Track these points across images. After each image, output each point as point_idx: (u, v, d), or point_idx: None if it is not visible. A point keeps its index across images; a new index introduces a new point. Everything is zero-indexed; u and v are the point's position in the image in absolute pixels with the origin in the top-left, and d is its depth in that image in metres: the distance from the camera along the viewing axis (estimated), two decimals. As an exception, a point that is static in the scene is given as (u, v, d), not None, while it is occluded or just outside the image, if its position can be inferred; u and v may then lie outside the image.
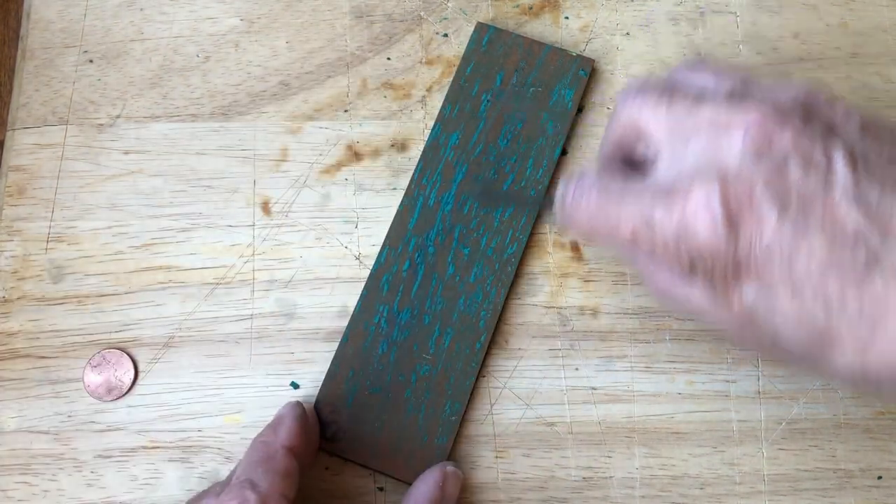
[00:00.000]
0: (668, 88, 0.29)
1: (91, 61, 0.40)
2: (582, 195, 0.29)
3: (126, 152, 0.39)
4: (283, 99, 0.40)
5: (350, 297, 0.37)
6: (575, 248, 0.38)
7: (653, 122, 0.29)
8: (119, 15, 0.41)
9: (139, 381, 0.36)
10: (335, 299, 0.37)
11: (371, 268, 0.37)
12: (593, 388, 0.36)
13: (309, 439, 0.33)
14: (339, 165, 0.39)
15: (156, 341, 0.36)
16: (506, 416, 0.36)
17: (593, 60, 0.40)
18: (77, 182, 0.38)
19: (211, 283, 0.37)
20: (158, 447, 0.35)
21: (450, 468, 0.33)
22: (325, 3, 0.41)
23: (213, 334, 0.36)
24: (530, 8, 0.41)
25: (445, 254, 0.37)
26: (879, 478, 0.35)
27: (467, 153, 0.38)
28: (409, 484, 0.34)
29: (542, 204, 0.37)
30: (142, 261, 0.37)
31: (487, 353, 0.36)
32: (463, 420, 0.35)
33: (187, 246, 0.38)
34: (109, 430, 0.35)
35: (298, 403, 0.34)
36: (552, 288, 0.37)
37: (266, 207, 0.38)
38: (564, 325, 0.37)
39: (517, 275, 0.37)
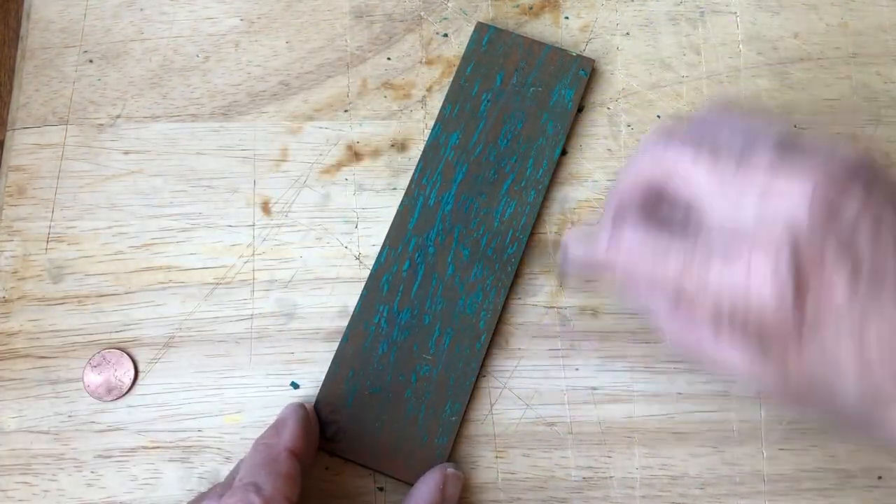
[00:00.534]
0: (703, 141, 0.26)
1: (91, 61, 0.40)
2: (620, 246, 0.27)
3: (126, 152, 0.39)
4: (283, 99, 0.40)
5: (350, 297, 0.37)
6: (575, 248, 0.38)
7: (692, 179, 0.26)
8: (119, 15, 0.41)
9: (139, 381, 0.36)
10: (335, 299, 0.37)
11: (371, 268, 0.37)
12: (593, 388, 0.36)
13: (311, 441, 0.33)
14: (339, 165, 0.39)
15: (156, 341, 0.36)
16: (506, 416, 0.36)
17: (593, 60, 0.40)
18: (77, 182, 0.38)
19: (211, 283, 0.37)
20: (158, 447, 0.35)
21: (450, 470, 0.33)
22: (325, 3, 0.41)
23: (213, 334, 0.36)
24: (530, 8, 0.41)
25: (445, 254, 0.37)
26: (879, 478, 0.35)
27: (467, 153, 0.38)
28: (410, 484, 0.34)
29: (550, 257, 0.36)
30: (142, 261, 0.37)
31: (487, 353, 0.36)
32: (463, 420, 0.35)
33: (187, 246, 0.38)
34: (109, 430, 0.35)
35: (301, 405, 0.34)
36: (552, 288, 0.37)
37: (266, 207, 0.38)
38: (564, 325, 0.37)
39: (517, 275, 0.37)
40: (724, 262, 0.24)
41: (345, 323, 0.36)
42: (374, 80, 0.40)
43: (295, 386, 0.36)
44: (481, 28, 0.40)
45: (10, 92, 0.40)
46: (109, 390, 0.36)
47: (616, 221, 0.27)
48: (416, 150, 0.39)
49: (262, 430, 0.33)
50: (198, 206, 0.38)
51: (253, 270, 0.37)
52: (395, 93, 0.40)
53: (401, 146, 0.39)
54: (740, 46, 0.41)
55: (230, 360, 0.36)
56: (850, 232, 0.24)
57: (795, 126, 0.39)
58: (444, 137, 0.38)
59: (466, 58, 0.39)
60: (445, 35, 0.41)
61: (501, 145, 0.38)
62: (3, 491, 0.35)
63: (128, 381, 0.36)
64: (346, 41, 0.41)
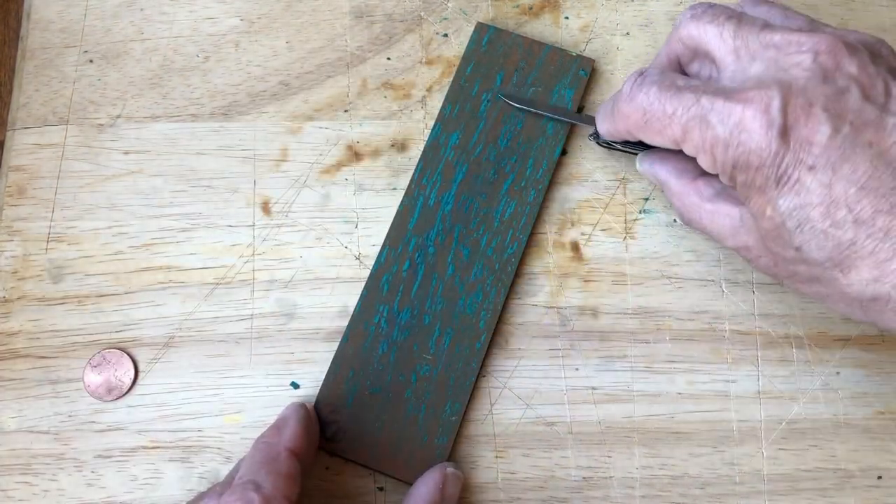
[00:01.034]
0: (734, 10, 0.31)
1: (91, 61, 0.40)
2: (641, 88, 0.30)
3: (126, 152, 0.39)
4: (283, 99, 0.40)
5: (350, 297, 0.37)
6: (575, 248, 0.38)
7: (716, 40, 0.30)
8: (119, 15, 0.41)
9: (139, 381, 0.36)
10: (335, 299, 0.37)
11: (371, 268, 0.37)
12: (593, 388, 0.36)
13: (311, 441, 0.33)
14: (339, 165, 0.39)
15: (156, 341, 0.36)
16: (506, 416, 0.36)
17: (593, 60, 0.40)
18: (77, 182, 0.38)
19: (211, 283, 0.37)
20: (158, 447, 0.35)
21: (450, 469, 0.33)
22: (325, 3, 0.41)
23: (213, 334, 0.36)
24: (530, 8, 0.41)
25: (445, 254, 0.37)
26: (879, 478, 0.35)
27: (467, 153, 0.38)
28: (410, 484, 0.34)
29: (578, 118, 0.38)
30: (142, 261, 0.37)
31: (487, 353, 0.36)
32: (463, 420, 0.35)
33: (187, 246, 0.38)
34: (109, 430, 0.35)
35: (302, 405, 0.34)
36: (552, 288, 0.37)
37: (266, 207, 0.38)
38: (564, 325, 0.37)
39: (517, 275, 0.37)
40: (727, 102, 0.28)
41: (345, 323, 0.36)
42: (374, 80, 0.40)
43: (295, 386, 0.36)
44: (481, 28, 0.40)
45: (10, 92, 0.40)
46: (109, 390, 0.36)
47: (636, 79, 0.31)
48: (416, 150, 0.39)
49: (262, 430, 0.33)
50: (198, 206, 0.38)
51: (253, 270, 0.37)
52: (395, 93, 0.40)
53: (401, 146, 0.39)
54: (740, 46, 0.41)
55: (230, 360, 0.36)
56: (843, 91, 0.27)
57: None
58: (444, 137, 0.38)
59: (466, 58, 0.39)
60: (445, 35, 0.41)
61: (501, 145, 0.38)
62: (3, 491, 0.35)
63: (128, 381, 0.36)
64: (346, 41, 0.41)
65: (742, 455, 0.35)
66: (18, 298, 0.37)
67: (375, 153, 0.39)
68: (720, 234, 0.32)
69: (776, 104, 0.27)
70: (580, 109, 0.39)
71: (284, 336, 0.36)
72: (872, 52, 0.29)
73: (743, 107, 0.27)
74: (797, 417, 0.36)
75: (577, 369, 0.36)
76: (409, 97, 0.40)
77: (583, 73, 0.39)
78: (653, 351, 0.36)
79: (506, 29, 0.40)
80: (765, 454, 0.35)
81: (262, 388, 0.36)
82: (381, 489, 0.35)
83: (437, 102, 0.39)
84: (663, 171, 0.34)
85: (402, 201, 0.38)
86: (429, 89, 0.40)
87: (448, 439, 0.35)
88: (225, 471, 0.35)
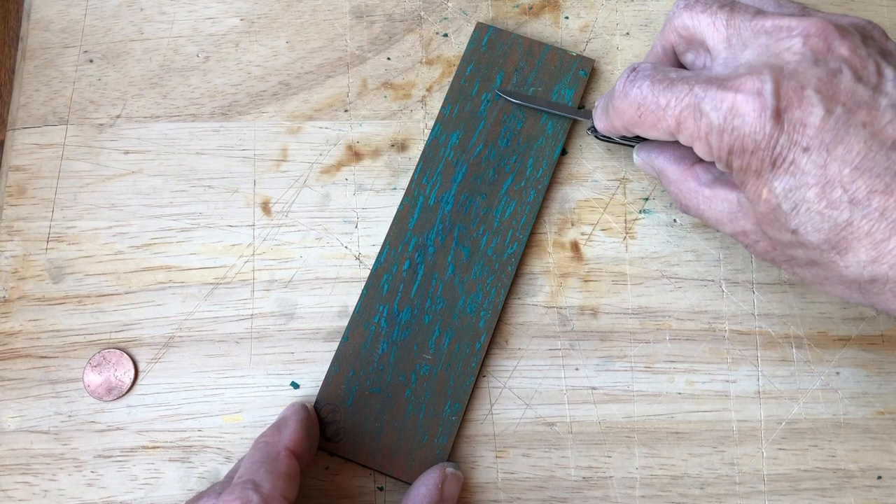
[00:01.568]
0: (728, 2, 0.31)
1: (91, 61, 0.40)
2: (634, 83, 0.31)
3: (126, 152, 0.39)
4: (283, 99, 0.40)
5: (350, 297, 0.37)
6: (575, 247, 0.38)
7: (710, 29, 0.30)
8: (119, 15, 0.41)
9: (139, 381, 0.36)
10: (335, 299, 0.37)
11: (371, 268, 0.37)
12: (593, 388, 0.36)
13: (311, 441, 0.33)
14: (339, 165, 0.39)
15: (156, 341, 0.36)
16: (506, 416, 0.36)
17: (593, 60, 0.40)
18: (77, 182, 0.38)
19: (211, 283, 0.37)
20: (158, 447, 0.35)
21: (449, 469, 0.33)
22: (325, 3, 0.41)
23: (213, 334, 0.36)
24: (530, 8, 0.41)
25: (445, 254, 0.37)
26: (879, 478, 0.35)
27: (467, 153, 0.38)
28: (410, 484, 0.34)
29: (576, 113, 0.38)
30: (142, 261, 0.37)
31: (487, 353, 0.36)
32: (463, 420, 0.35)
33: (187, 246, 0.38)
34: (109, 430, 0.35)
35: (303, 405, 0.34)
36: (552, 288, 0.37)
37: (266, 207, 0.38)
38: (564, 325, 0.37)
39: (517, 275, 0.37)
40: (720, 89, 0.28)
41: (345, 323, 0.36)
42: (374, 80, 0.40)
43: (295, 386, 0.36)
44: (481, 28, 0.40)
45: (10, 92, 0.40)
46: (109, 390, 0.36)
47: (629, 75, 0.31)
48: (416, 150, 0.39)
49: (262, 430, 0.33)
50: (198, 206, 0.38)
51: (253, 270, 0.37)
52: (395, 93, 0.40)
53: (401, 146, 0.39)
54: (740, 46, 0.41)
55: (230, 360, 0.36)
56: (835, 72, 0.27)
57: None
58: (444, 137, 0.38)
59: (466, 58, 0.39)
60: (445, 35, 0.41)
61: (501, 145, 0.38)
62: (3, 491, 0.35)
63: (128, 381, 0.36)
64: (346, 41, 0.41)
65: (742, 455, 0.35)
66: (18, 298, 0.37)
67: (375, 153, 0.39)
68: (718, 219, 0.32)
69: (768, 88, 0.27)
70: (580, 108, 0.39)
71: (284, 336, 0.37)
72: (863, 34, 0.29)
73: (735, 92, 0.27)
74: (797, 417, 0.36)
75: (577, 369, 0.36)
76: (409, 97, 0.40)
77: (583, 73, 0.39)
78: (653, 351, 0.36)
79: (506, 29, 0.40)
80: (765, 454, 0.35)
81: (262, 388, 0.36)
82: (381, 489, 0.35)
83: (437, 102, 0.39)
84: (660, 160, 0.34)
85: (402, 201, 0.38)
86: (429, 89, 0.40)
87: (448, 439, 0.35)
88: (225, 471, 0.35)
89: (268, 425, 0.33)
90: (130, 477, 0.35)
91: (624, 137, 0.35)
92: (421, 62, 0.40)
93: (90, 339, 0.36)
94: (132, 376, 0.36)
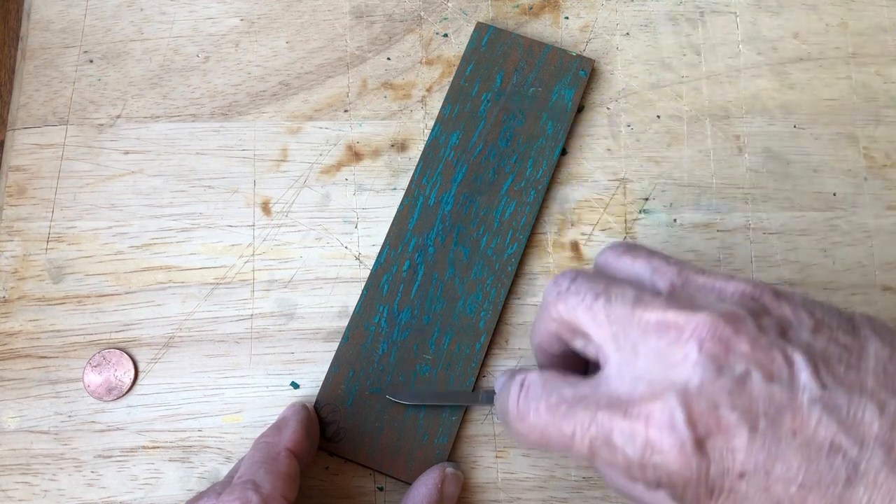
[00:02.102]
0: (600, 282, 0.27)
1: (91, 61, 0.40)
2: (529, 407, 0.27)
3: (126, 152, 0.39)
4: (283, 99, 0.40)
5: (350, 297, 0.37)
6: (575, 248, 0.38)
7: (592, 324, 0.27)
8: (119, 15, 0.41)
9: (139, 381, 0.36)
10: (335, 299, 0.37)
11: (371, 268, 0.37)
12: (593, 388, 0.36)
13: (311, 441, 0.33)
14: (339, 165, 0.39)
15: (156, 341, 0.36)
16: (506, 416, 0.36)
17: (593, 60, 0.40)
18: (77, 182, 0.38)
19: (211, 283, 0.37)
20: (158, 447, 0.35)
21: (449, 469, 0.33)
22: (325, 3, 0.41)
23: (213, 334, 0.36)
24: (530, 8, 0.41)
25: (445, 254, 0.37)
26: (879, 478, 0.35)
27: (467, 153, 0.38)
28: (410, 484, 0.34)
29: (477, 398, 0.35)
30: (142, 261, 0.37)
31: (487, 353, 0.36)
32: (463, 420, 0.35)
33: (187, 246, 0.38)
34: (109, 430, 0.35)
35: (304, 406, 0.34)
36: (552, 288, 0.37)
37: (266, 207, 0.38)
38: (564, 325, 0.37)
39: (517, 275, 0.37)
40: (626, 420, 0.25)
41: (345, 323, 0.36)
42: (374, 80, 0.40)
43: (295, 386, 0.36)
44: (481, 28, 0.40)
45: (10, 92, 0.40)
46: (109, 390, 0.36)
47: (519, 392, 0.28)
48: (416, 150, 0.39)
49: (262, 430, 0.33)
50: (198, 206, 0.38)
51: (253, 270, 0.37)
52: (395, 93, 0.40)
53: (401, 146, 0.39)
54: (740, 46, 0.41)
55: (230, 360, 0.36)
56: (743, 378, 0.24)
57: (795, 126, 0.40)
58: (444, 137, 0.38)
59: (466, 58, 0.39)
60: (445, 35, 0.41)
61: (501, 145, 0.38)
62: (3, 491, 0.35)
63: (128, 381, 0.36)
64: (346, 41, 0.41)
65: (742, 455, 0.35)
66: (18, 298, 0.37)
67: (375, 153, 0.39)
68: None
69: (679, 416, 0.24)
70: (580, 109, 0.39)
71: (284, 336, 0.36)
72: (755, 312, 0.25)
73: (645, 425, 0.24)
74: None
75: (577, 369, 0.36)
76: (409, 97, 0.40)
77: (583, 73, 0.39)
78: (653, 351, 0.36)
79: (506, 29, 0.40)
80: (765, 454, 0.35)
81: (262, 388, 0.36)
82: (381, 489, 0.35)
83: (437, 102, 0.39)
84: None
85: (402, 201, 0.38)
86: (429, 89, 0.40)
87: (448, 439, 0.35)
88: (225, 471, 0.35)
89: (268, 425, 0.33)
90: (130, 477, 0.35)
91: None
92: (421, 62, 0.40)
93: (90, 339, 0.36)
94: (132, 376, 0.36)
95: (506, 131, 0.38)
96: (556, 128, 0.38)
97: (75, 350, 0.36)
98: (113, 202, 0.38)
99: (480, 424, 0.36)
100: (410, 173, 0.38)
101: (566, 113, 0.39)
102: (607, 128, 0.39)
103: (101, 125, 0.39)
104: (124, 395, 0.36)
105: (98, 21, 0.41)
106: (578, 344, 0.28)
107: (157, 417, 0.36)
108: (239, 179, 0.38)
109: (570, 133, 0.39)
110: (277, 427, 0.32)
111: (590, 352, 0.28)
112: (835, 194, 0.39)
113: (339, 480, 0.35)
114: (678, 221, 0.38)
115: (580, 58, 0.39)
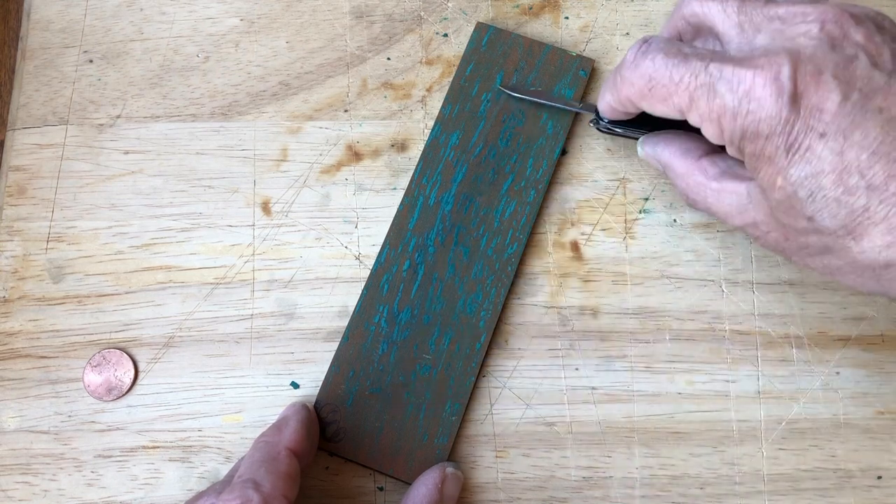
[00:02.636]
0: None
1: (91, 61, 0.40)
2: (647, 55, 0.30)
3: (126, 152, 0.39)
4: (283, 99, 0.40)
5: (350, 297, 0.37)
6: (575, 247, 0.38)
7: (720, 17, 0.30)
8: (119, 15, 0.41)
9: (139, 381, 0.36)
10: (335, 299, 0.37)
11: (371, 268, 0.37)
12: (593, 388, 0.36)
13: (311, 441, 0.33)
14: (339, 165, 0.39)
15: (156, 341, 0.36)
16: (506, 416, 0.36)
17: (593, 60, 0.40)
18: (77, 182, 0.38)
19: (211, 283, 0.37)
20: (158, 447, 0.35)
21: (449, 469, 0.33)
22: (325, 3, 0.41)
23: (213, 334, 0.36)
24: (530, 8, 0.41)
25: (445, 254, 0.37)
26: (879, 478, 0.35)
27: (467, 153, 0.38)
28: (410, 484, 0.34)
29: (579, 107, 0.38)
30: (142, 261, 0.37)
31: (487, 353, 0.36)
32: (463, 420, 0.35)
33: (187, 246, 0.38)
34: (109, 430, 0.35)
35: (304, 405, 0.34)
36: (552, 288, 0.37)
37: (266, 207, 0.38)
38: (564, 325, 0.37)
39: (517, 275, 0.37)
40: (736, 70, 0.28)
41: (345, 323, 0.36)
42: (374, 80, 0.40)
43: (295, 386, 0.36)
44: (481, 28, 0.40)
45: (10, 92, 0.40)
46: (109, 390, 0.36)
47: (641, 46, 0.31)
48: (416, 150, 0.39)
49: (262, 430, 0.33)
50: (198, 206, 0.38)
51: (253, 270, 0.37)
52: (395, 93, 0.40)
53: (401, 146, 0.39)
54: (740, 46, 0.41)
55: (230, 359, 0.36)
56: (852, 58, 0.27)
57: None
58: (444, 137, 0.38)
59: (466, 58, 0.39)
60: (445, 35, 0.41)
61: (501, 145, 0.38)
62: (3, 491, 0.35)
63: (128, 381, 0.36)
64: (346, 41, 0.41)
65: (742, 455, 0.35)
66: (18, 298, 0.37)
67: (375, 153, 0.39)
68: (727, 212, 0.31)
69: (786, 72, 0.27)
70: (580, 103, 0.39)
71: (284, 336, 0.37)
72: (875, 23, 0.28)
73: (753, 74, 0.27)
74: (797, 417, 0.36)
75: (576, 369, 0.36)
76: (409, 97, 0.40)
77: (583, 73, 0.39)
78: (653, 351, 0.36)
79: (506, 29, 0.40)
80: (765, 454, 0.35)
81: (262, 388, 0.36)
82: (381, 489, 0.35)
83: (437, 102, 0.39)
84: (666, 153, 0.34)
85: (402, 201, 0.38)
86: (429, 89, 0.40)
87: (448, 439, 0.35)
88: (225, 470, 0.35)
89: (268, 425, 0.33)
90: (130, 477, 0.35)
91: (629, 128, 0.35)
92: (421, 62, 0.40)
93: (90, 339, 0.36)
94: (132, 376, 0.36)
95: (506, 131, 0.38)
96: (556, 128, 0.38)
97: (75, 350, 0.36)
98: (113, 202, 0.38)
99: (480, 424, 0.36)
100: (410, 173, 0.38)
101: (566, 113, 0.39)
102: (607, 128, 0.39)
103: (101, 125, 0.39)
104: (124, 394, 0.36)
105: (98, 21, 0.41)
106: (697, 45, 0.31)
107: (157, 417, 0.36)
108: (239, 179, 0.38)
109: (570, 133, 0.39)
110: (278, 427, 0.32)
111: (711, 30, 0.31)
112: (835, 194, 0.39)
113: (339, 480, 0.35)
114: (678, 221, 0.38)
115: (580, 58, 0.39)
